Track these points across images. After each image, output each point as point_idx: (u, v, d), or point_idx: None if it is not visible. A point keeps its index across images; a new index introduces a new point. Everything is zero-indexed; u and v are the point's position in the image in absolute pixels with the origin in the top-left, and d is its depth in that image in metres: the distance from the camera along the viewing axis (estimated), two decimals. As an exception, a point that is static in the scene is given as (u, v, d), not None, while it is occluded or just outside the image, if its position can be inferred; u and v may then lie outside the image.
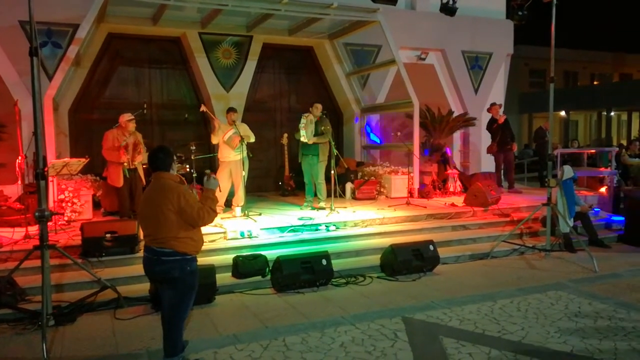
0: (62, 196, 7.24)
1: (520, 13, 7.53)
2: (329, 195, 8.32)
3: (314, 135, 8.19)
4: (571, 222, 7.38)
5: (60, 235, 6.44)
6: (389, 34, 9.47)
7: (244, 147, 7.73)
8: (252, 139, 7.90)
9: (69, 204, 7.30)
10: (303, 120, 8.13)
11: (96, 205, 8.10)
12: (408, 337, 4.46)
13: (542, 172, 12.35)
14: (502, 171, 10.72)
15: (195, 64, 10.18)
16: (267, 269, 5.97)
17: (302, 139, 8.14)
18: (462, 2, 9.90)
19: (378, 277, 6.24)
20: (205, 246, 6.37)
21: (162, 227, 3.63)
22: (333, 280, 5.98)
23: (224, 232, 6.83)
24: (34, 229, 6.51)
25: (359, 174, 10.31)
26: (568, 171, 7.38)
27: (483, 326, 4.68)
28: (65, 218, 7.12)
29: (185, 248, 3.69)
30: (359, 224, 7.63)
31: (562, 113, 26.21)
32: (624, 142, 20.01)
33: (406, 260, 6.25)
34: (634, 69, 32.67)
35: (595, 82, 30.86)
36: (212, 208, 3.79)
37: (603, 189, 9.64)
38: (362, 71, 11.26)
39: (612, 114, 27.20)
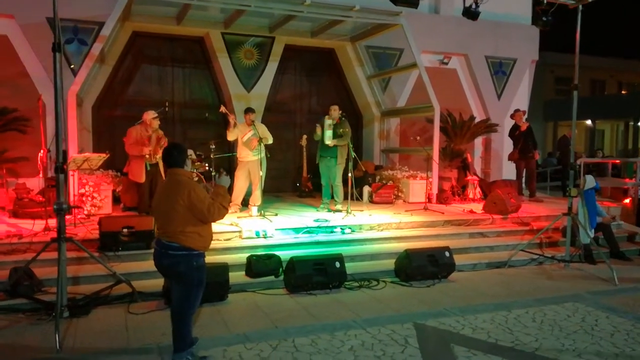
0: (82, 190, 7.37)
1: (544, 19, 7.39)
2: (345, 197, 8.29)
3: (333, 138, 8.18)
4: (592, 233, 7.22)
5: (79, 229, 6.55)
6: (411, 38, 9.41)
7: (262, 147, 7.76)
8: (270, 141, 7.92)
9: (89, 199, 7.42)
10: (328, 122, 8.13)
11: (116, 200, 8.22)
12: (419, 343, 4.41)
13: (565, 181, 12.13)
14: (523, 179, 10.54)
15: (217, 64, 10.27)
16: (281, 269, 5.97)
17: (328, 141, 8.12)
18: (487, 6, 9.75)
19: (392, 282, 6.19)
20: (220, 244, 6.49)
21: (171, 221, 3.68)
22: (346, 283, 5.95)
23: (240, 231, 6.85)
24: (53, 222, 6.64)
25: (377, 178, 10.26)
26: (590, 181, 7.22)
27: (496, 336, 4.60)
28: (85, 212, 7.24)
29: (192, 243, 3.72)
30: (374, 227, 7.59)
31: (588, 122, 25.70)
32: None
33: (421, 266, 6.18)
34: (664, 78, 31.84)
35: (622, 91, 30.18)
36: (223, 205, 3.82)
37: (627, 201, 9.41)
38: (384, 74, 11.22)
39: (640, 124, 26.57)
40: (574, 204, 7.04)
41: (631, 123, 26.49)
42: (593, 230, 7.30)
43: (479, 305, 5.41)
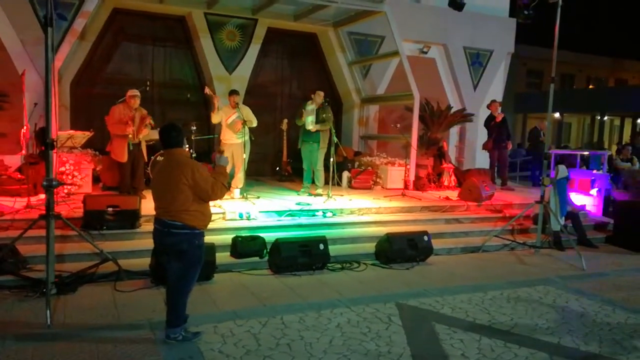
0: (62, 169, 7.28)
1: (526, 12, 7.62)
2: (326, 182, 8.43)
3: (316, 123, 8.27)
4: (562, 221, 7.56)
5: (60, 207, 6.48)
6: (394, 25, 9.54)
7: (246, 130, 7.80)
8: (255, 124, 7.96)
9: (70, 177, 7.34)
10: (310, 107, 8.21)
11: (95, 180, 8.14)
12: (402, 321, 4.61)
13: (535, 171, 12.57)
14: (495, 168, 10.88)
15: (199, 44, 10.19)
16: (265, 250, 6.08)
17: (310, 126, 8.20)
18: (468, -2, 10.00)
19: (372, 264, 6.39)
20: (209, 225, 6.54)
21: (175, 200, 3.75)
22: (329, 265, 6.11)
23: (223, 213, 6.92)
24: (35, 199, 6.57)
25: (356, 164, 10.43)
26: (562, 171, 7.55)
27: (474, 315, 4.84)
28: (65, 191, 7.17)
29: (195, 222, 3.82)
30: (355, 212, 7.76)
31: (557, 115, 26.47)
32: (615, 147, 20.29)
33: (401, 249, 6.39)
34: (630, 74, 32.98)
35: (590, 86, 31.14)
36: (224, 183, 3.93)
37: (594, 191, 9.84)
38: (365, 61, 11.33)
39: (606, 118, 27.51)
40: (546, 193, 7.36)
41: (597, 117, 27.39)
42: (563, 218, 7.65)
43: (456, 287, 5.66)
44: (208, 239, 6.04)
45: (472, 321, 4.69)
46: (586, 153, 10.97)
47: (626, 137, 26.61)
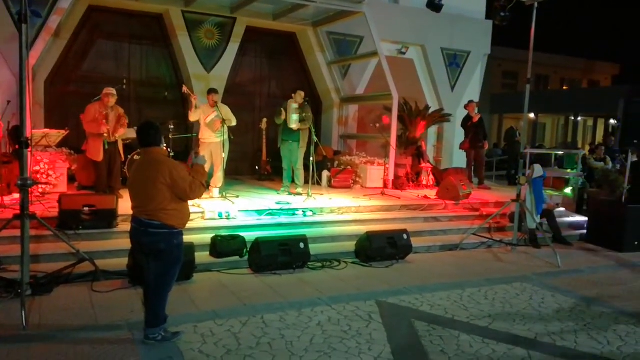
0: (37, 168, 7.13)
1: (502, 14, 7.73)
2: (306, 181, 8.43)
3: (298, 122, 8.26)
4: (538, 219, 7.70)
5: (35, 207, 6.33)
6: (373, 26, 9.59)
7: (225, 129, 7.75)
8: (234, 123, 7.91)
9: (44, 176, 7.19)
10: (294, 106, 8.18)
11: (70, 179, 7.99)
12: (382, 319, 4.64)
13: (511, 170, 12.78)
14: (472, 168, 11.03)
15: (176, 43, 10.09)
16: (245, 249, 6.06)
17: (294, 125, 8.18)
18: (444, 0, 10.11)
19: (353, 263, 6.41)
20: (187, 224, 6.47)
21: (152, 199, 3.70)
22: (309, 263, 6.11)
23: (202, 212, 6.87)
24: (8, 199, 6.42)
25: (336, 163, 10.45)
26: (538, 170, 7.69)
27: (453, 312, 4.90)
28: (40, 190, 7.01)
29: (173, 221, 3.77)
30: (335, 211, 7.78)
31: (532, 115, 26.95)
32: (588, 147, 20.77)
33: (380, 248, 6.43)
34: (602, 76, 33.81)
35: (564, 87, 31.79)
36: (202, 182, 3.89)
37: (568, 190, 10.06)
38: (344, 61, 11.37)
39: (579, 119, 28.11)
40: (522, 191, 7.49)
41: (571, 118, 27.99)
42: (539, 216, 7.79)
43: (435, 284, 5.71)
44: (187, 238, 5.97)
45: (451, 318, 4.75)
46: (561, 153, 11.20)
47: (599, 137, 27.25)
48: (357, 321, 4.55)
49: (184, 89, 7.94)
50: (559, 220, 8.38)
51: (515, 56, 26.27)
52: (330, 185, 9.77)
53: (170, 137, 8.52)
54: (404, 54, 12.18)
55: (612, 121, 24.69)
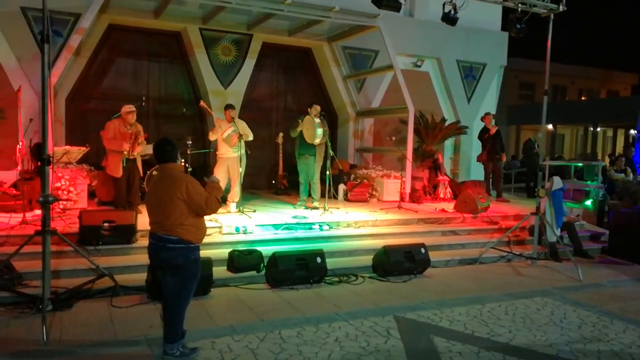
0: (58, 184, 7.26)
1: (518, 26, 7.71)
2: (322, 195, 8.44)
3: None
4: (558, 232, 7.59)
5: (56, 223, 6.43)
6: (388, 40, 9.63)
7: (242, 144, 7.82)
8: (251, 137, 7.98)
9: (65, 192, 7.31)
10: (317, 120, 8.21)
11: (90, 195, 8.12)
12: (400, 334, 4.59)
13: (529, 182, 12.62)
14: (490, 180, 10.94)
15: (194, 59, 10.24)
16: (262, 264, 6.06)
17: (318, 140, 8.20)
18: (459, 12, 10.11)
19: (370, 277, 6.37)
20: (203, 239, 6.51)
21: (170, 214, 3.75)
22: (326, 278, 6.09)
23: (220, 227, 6.91)
24: (30, 215, 6.54)
25: (352, 176, 10.45)
26: (557, 182, 7.59)
27: (472, 327, 4.83)
28: (61, 206, 7.13)
29: (190, 236, 3.81)
30: (351, 224, 7.77)
31: (550, 126, 26.68)
32: (607, 158, 20.45)
33: (398, 262, 6.38)
34: (621, 86, 33.38)
35: (582, 98, 31.45)
36: (218, 198, 3.93)
37: (588, 202, 9.89)
38: (359, 75, 11.42)
39: (599, 129, 27.75)
40: (542, 204, 7.39)
41: (590, 128, 27.63)
42: (559, 229, 7.67)
43: (454, 299, 5.64)
44: (204, 253, 6.04)
45: (470, 334, 4.68)
46: (580, 164, 11.04)
47: (619, 148, 26.82)
48: (375, 337, 4.52)
49: (201, 103, 8.05)
50: (579, 233, 8.24)
51: (531, 67, 26.09)
52: (346, 199, 9.76)
53: (188, 152, 8.61)
54: (420, 66, 12.19)
55: (632, 131, 24.29)
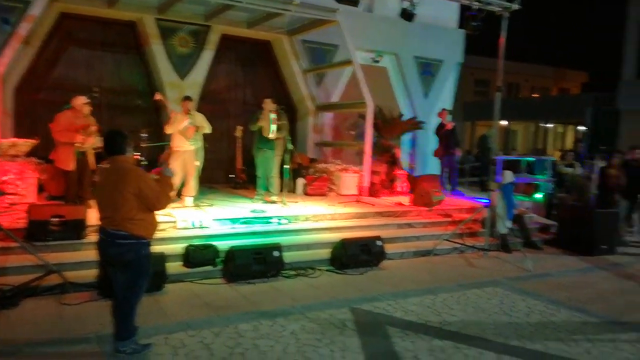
0: (5, 178, 6.95)
1: (474, 24, 7.90)
2: (281, 189, 8.42)
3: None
4: (509, 224, 7.84)
5: (2, 218, 6.20)
6: (347, 35, 9.67)
7: (200, 137, 7.70)
8: (208, 130, 7.87)
9: (12, 186, 7.01)
10: (272, 116, 8.17)
11: (39, 189, 7.81)
12: (356, 326, 4.66)
13: (483, 177, 12.98)
14: (445, 174, 11.18)
15: (150, 50, 10.00)
16: (219, 259, 6.01)
17: (272, 135, 8.16)
18: (417, 9, 10.27)
19: (327, 270, 6.42)
20: (155, 234, 6.38)
21: (119, 209, 3.65)
22: (283, 272, 6.10)
23: (175, 222, 6.79)
24: (-28, 210, 6.25)
25: (311, 170, 10.46)
26: (509, 176, 7.84)
27: (425, 317, 4.95)
28: (8, 201, 6.84)
29: (141, 231, 3.73)
30: (310, 218, 7.79)
31: (505, 122, 27.46)
32: (558, 153, 21.24)
33: (355, 255, 6.46)
34: (572, 84, 34.70)
35: (535, 95, 32.53)
36: (169, 193, 3.86)
37: (538, 195, 10.25)
38: (319, 69, 11.43)
39: (550, 125, 28.77)
40: (494, 197, 7.62)
41: (542, 124, 28.61)
42: (510, 222, 7.93)
43: (408, 290, 5.76)
44: (159, 248, 5.97)
45: (423, 323, 4.80)
46: (531, 159, 11.42)
47: (569, 143, 27.91)
48: (331, 329, 4.56)
49: (157, 95, 7.88)
50: (529, 225, 8.55)
51: (487, 65, 26.70)
52: (305, 193, 9.77)
53: (142, 145, 8.41)
54: (378, 62, 12.30)
55: (580, 128, 25.34)
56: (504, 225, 7.65)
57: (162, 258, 5.39)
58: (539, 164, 11.38)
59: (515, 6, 7.70)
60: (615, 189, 8.42)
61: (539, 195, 10.05)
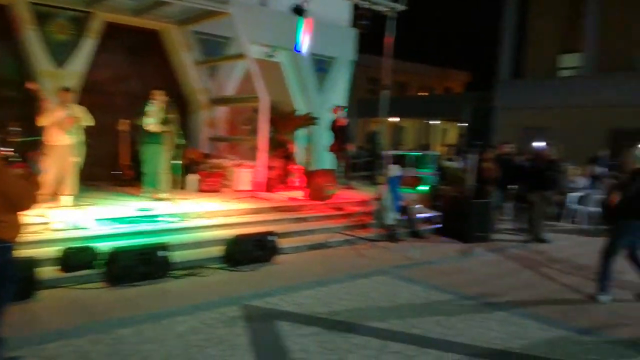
0: None
1: (363, 22, 8.15)
2: (171, 186, 8.10)
3: (161, 124, 7.92)
4: (396, 215, 8.23)
5: None
6: (240, 28, 9.53)
7: (79, 131, 7.16)
8: (89, 122, 7.33)
9: None
10: (152, 107, 7.80)
11: None
12: (246, 323, 4.61)
13: (374, 171, 13.53)
14: (340, 169, 11.46)
15: (23, 37, 9.09)
16: (99, 261, 5.63)
17: (151, 127, 7.80)
18: (311, 6, 10.38)
19: (220, 268, 6.29)
20: (28, 237, 5.84)
21: (-23, 209, 3.26)
22: (172, 272, 5.87)
23: (50, 223, 6.26)
24: None
25: (204, 166, 10.19)
26: (395, 170, 8.23)
27: (316, 309, 5.03)
28: None
29: (4, 234, 3.36)
30: (202, 215, 7.58)
31: (396, 119, 28.81)
32: (443, 149, 22.72)
33: (248, 251, 6.40)
34: (456, 83, 37.30)
35: (422, 93, 34.54)
36: (35, 193, 3.51)
37: (423, 188, 10.90)
38: (211, 62, 11.15)
39: (436, 122, 30.69)
40: (382, 190, 7.95)
41: (429, 121, 30.45)
42: (397, 213, 8.33)
43: (300, 284, 5.83)
44: (32, 252, 5.48)
45: (313, 315, 4.87)
46: (417, 154, 12.12)
47: (453, 139, 29.96)
48: (220, 328, 4.48)
49: (31, 85, 7.20)
50: (415, 216, 9.03)
51: (379, 63, 27.80)
52: (198, 189, 9.50)
53: (13, 140, 7.65)
54: (273, 56, 12.27)
55: (460, 124, 27.28)
56: (391, 217, 8.01)
57: (32, 263, 4.94)
58: (424, 158, 12.11)
59: (401, 7, 8.09)
60: (489, 181, 9.16)
61: (424, 188, 10.68)
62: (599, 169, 11.48)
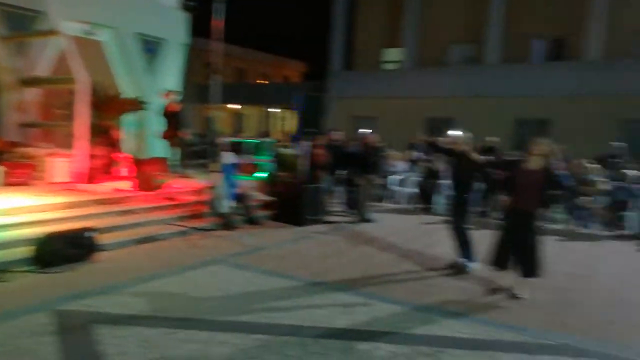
0: None
1: (190, 3, 7.82)
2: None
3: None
4: (231, 203, 8.14)
5: None
6: (51, 1, 8.48)
7: None
8: None
9: None
10: None
11: None
12: (58, 330, 4.15)
13: (207, 158, 13.26)
14: (174, 157, 10.98)
15: None
16: None
17: None
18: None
19: (28, 272, 5.58)
20: None
21: None
22: (-36, 280, 5.05)
23: None
24: None
25: (11, 156, 8.94)
26: (229, 157, 8.13)
27: (140, 307, 4.73)
28: None
29: None
30: (7, 212, 6.64)
31: (237, 106, 28.59)
32: (283, 136, 23.18)
33: (60, 250, 5.77)
34: (293, 72, 38.28)
35: (259, 81, 34.85)
36: None
37: (261, 174, 10.97)
38: (18, 38, 9.80)
39: (276, 110, 31.15)
40: (216, 178, 7.79)
41: (268, 109, 30.82)
42: (233, 201, 8.24)
43: (124, 282, 5.43)
44: None
45: (136, 314, 4.57)
46: (255, 141, 12.15)
47: (291, 126, 30.77)
48: (25, 338, 3.96)
49: None
50: (251, 203, 9.04)
51: (217, 49, 27.32)
52: (5, 183, 8.30)
53: None
54: (93, 35, 11.18)
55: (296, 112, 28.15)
56: (226, 205, 7.91)
57: None
58: (262, 145, 12.20)
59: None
60: (321, 167, 9.54)
61: (261, 175, 10.75)
62: (416, 154, 12.69)
